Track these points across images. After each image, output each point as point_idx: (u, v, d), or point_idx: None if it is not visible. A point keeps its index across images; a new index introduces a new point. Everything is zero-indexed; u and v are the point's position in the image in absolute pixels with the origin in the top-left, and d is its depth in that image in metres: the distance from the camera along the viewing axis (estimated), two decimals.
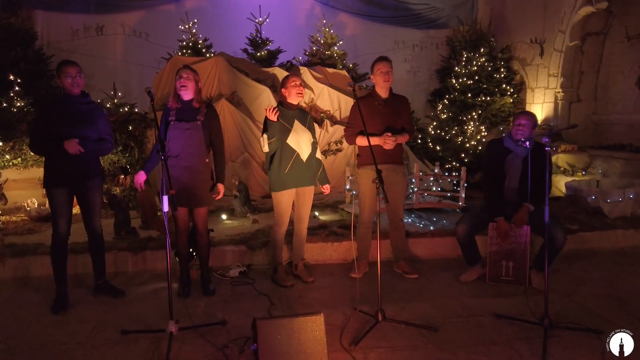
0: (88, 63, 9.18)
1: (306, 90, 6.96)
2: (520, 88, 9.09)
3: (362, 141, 4.04)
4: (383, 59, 4.12)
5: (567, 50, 7.69)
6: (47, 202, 5.96)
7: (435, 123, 9.05)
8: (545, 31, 8.16)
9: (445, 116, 8.65)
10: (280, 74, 6.91)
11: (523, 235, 3.92)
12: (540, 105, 8.35)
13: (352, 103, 7.13)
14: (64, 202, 3.60)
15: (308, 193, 4.07)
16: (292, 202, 4.07)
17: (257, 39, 7.78)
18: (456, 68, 9.26)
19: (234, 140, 6.37)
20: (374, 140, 3.97)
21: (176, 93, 3.72)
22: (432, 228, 5.11)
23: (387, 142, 3.96)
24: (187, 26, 7.83)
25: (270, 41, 7.77)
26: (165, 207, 2.98)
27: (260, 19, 7.88)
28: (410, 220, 5.44)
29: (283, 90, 3.96)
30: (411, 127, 4.25)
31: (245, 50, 7.82)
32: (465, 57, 9.09)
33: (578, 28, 7.56)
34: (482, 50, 8.99)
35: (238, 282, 4.18)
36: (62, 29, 9.29)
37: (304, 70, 7.09)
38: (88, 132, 3.60)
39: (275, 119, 3.71)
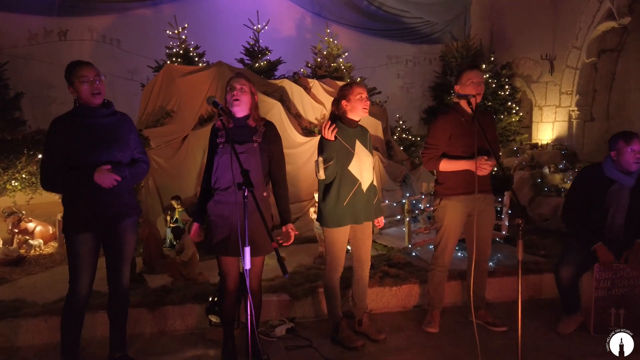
0: (48, 72, 8.04)
1: (318, 105, 6.21)
2: (521, 106, 8.76)
3: (448, 165, 3.32)
4: (475, 67, 3.44)
5: (583, 67, 7.37)
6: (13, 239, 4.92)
7: None
8: (555, 47, 7.85)
9: None
10: (290, 86, 6.11)
11: (637, 278, 3.31)
12: (551, 124, 7.99)
13: (372, 120, 6.53)
14: (90, 252, 2.66)
15: (367, 229, 3.28)
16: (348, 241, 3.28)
17: (256, 48, 6.95)
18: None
19: None
20: (464, 165, 3.27)
21: (227, 110, 2.86)
22: (491, 264, 4.42)
23: (483, 167, 3.23)
24: (176, 32, 6.87)
25: (269, 50, 6.97)
26: (247, 264, 2.10)
27: (259, 26, 7.06)
28: None
29: (344, 102, 3.17)
30: (498, 148, 3.57)
31: (241, 61, 6.96)
32: None
33: (595, 44, 7.26)
34: (484, 66, 8.60)
35: (291, 344, 3.29)
36: (18, 32, 8.08)
37: (314, 83, 6.33)
38: (119, 155, 2.69)
39: (333, 138, 2.92)
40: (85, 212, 2.60)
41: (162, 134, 5.50)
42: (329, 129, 2.90)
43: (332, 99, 6.11)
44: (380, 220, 3.36)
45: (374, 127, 6.43)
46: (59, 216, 5.11)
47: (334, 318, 3.31)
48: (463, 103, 3.39)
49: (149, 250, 4.20)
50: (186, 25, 6.98)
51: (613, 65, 7.53)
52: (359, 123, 3.25)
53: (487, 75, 8.37)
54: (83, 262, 2.65)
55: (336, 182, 3.10)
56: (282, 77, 6.67)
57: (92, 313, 3.25)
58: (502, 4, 9.15)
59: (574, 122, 7.60)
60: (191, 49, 6.83)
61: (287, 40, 8.76)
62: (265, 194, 2.90)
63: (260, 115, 2.94)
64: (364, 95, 3.16)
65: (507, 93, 8.40)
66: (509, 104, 8.32)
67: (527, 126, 8.76)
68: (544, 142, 8.01)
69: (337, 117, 3.21)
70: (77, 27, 8.36)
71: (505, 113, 8.26)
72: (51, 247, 5.09)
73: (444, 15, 9.84)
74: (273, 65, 6.88)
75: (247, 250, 2.12)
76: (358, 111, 3.16)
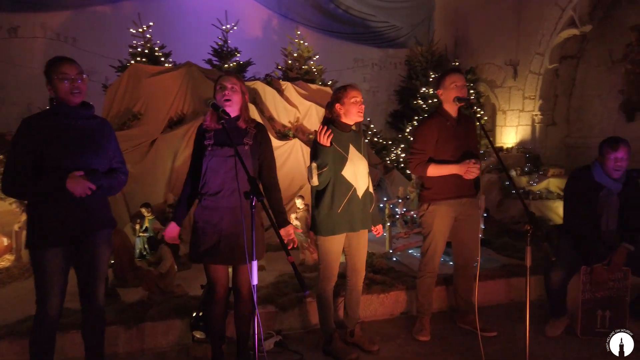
0: None
1: (291, 108, 6.07)
2: (484, 110, 8.94)
3: (436, 171, 3.26)
4: (458, 70, 3.40)
5: (546, 72, 7.59)
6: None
7: (403, 146, 8.57)
8: (519, 53, 8.05)
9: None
10: (262, 88, 5.94)
11: (621, 280, 3.36)
12: (515, 128, 8.19)
13: None
14: (60, 270, 2.40)
15: (363, 237, 3.17)
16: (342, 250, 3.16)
17: (225, 48, 6.72)
18: (423, 89, 8.91)
19: None
20: (452, 169, 3.23)
21: (214, 109, 2.69)
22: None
23: (471, 170, 3.20)
24: (140, 30, 6.54)
25: (238, 52, 6.76)
26: (255, 279, 1.94)
27: (228, 26, 6.84)
28: None
29: (338, 106, 3.06)
30: (478, 152, 3.55)
31: (209, 62, 6.71)
32: (433, 78, 8.77)
33: (557, 51, 7.49)
34: None
35: (281, 359, 3.13)
36: None
37: (287, 86, 6.19)
38: (96, 161, 2.46)
39: (329, 143, 2.80)
40: (54, 224, 2.34)
41: (129, 138, 5.20)
42: (324, 134, 2.77)
43: (307, 102, 6.11)
44: (379, 228, 3.27)
45: None
46: (16, 227, 4.73)
47: (327, 329, 3.18)
48: (448, 107, 3.36)
49: (121, 261, 3.92)
50: (151, 23, 6.66)
51: (573, 72, 7.80)
52: (352, 127, 3.15)
53: None
54: (52, 280, 2.39)
55: (329, 188, 2.98)
56: (253, 79, 6.49)
57: (64, 333, 2.99)
58: (466, 10, 9.32)
59: (537, 126, 7.82)
60: (157, 49, 6.52)
61: (253, 42, 8.57)
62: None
63: (250, 116, 2.78)
64: (359, 98, 3.06)
65: (473, 97, 8.55)
66: (475, 108, 8.47)
67: (489, 130, 8.93)
68: (508, 146, 8.19)
69: (330, 121, 3.10)
70: (29, 23, 7.85)
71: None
72: (6, 260, 4.69)
73: (409, 19, 9.92)
74: (242, 67, 6.69)
75: (255, 264, 1.96)
76: (352, 115, 3.05)
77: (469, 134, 3.45)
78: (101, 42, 7.87)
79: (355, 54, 9.75)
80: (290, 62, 6.90)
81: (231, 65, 6.59)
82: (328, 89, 6.65)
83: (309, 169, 2.91)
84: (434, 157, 3.31)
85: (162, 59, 6.44)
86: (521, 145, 7.96)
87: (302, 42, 7.11)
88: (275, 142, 5.68)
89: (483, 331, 3.47)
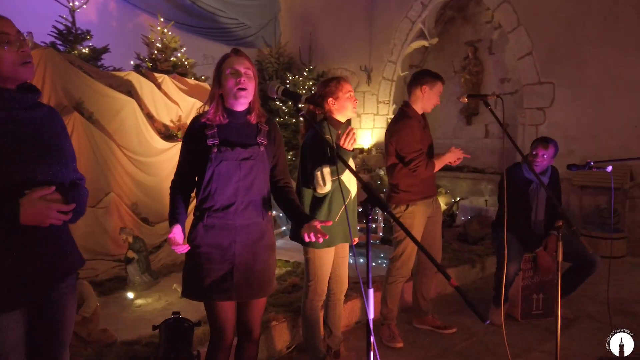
0: None
1: (172, 104, 5.32)
2: None
3: (438, 165, 3.26)
4: (441, 77, 3.36)
5: (398, 79, 8.21)
6: None
7: None
8: (372, 60, 8.54)
9: None
10: (138, 80, 5.03)
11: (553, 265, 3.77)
12: (370, 131, 8.66)
13: None
14: (17, 339, 1.58)
15: (347, 246, 2.92)
16: None
17: (73, 30, 5.49)
18: None
19: (93, 173, 4.22)
20: (445, 160, 3.25)
21: (219, 99, 2.11)
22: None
23: (460, 157, 3.25)
24: None
25: (90, 35, 5.59)
26: (372, 312, 1.57)
27: (75, 3, 5.60)
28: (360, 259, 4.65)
29: (331, 100, 2.74)
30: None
31: (52, 45, 5.38)
32: (290, 80, 8.73)
33: (407, 60, 8.18)
34: (305, 74, 8.79)
35: None
36: None
37: (164, 79, 5.38)
38: (58, 171, 1.67)
39: (352, 148, 2.47)
40: (6, 276, 1.52)
41: None
42: (350, 137, 2.39)
43: (190, 99, 5.39)
44: (356, 240, 3.04)
45: None
46: None
47: (317, 354, 2.80)
48: (417, 107, 3.34)
49: None
50: None
51: None
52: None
53: (311, 83, 8.56)
54: (9, 357, 1.57)
55: (327, 196, 2.63)
56: (117, 69, 5.46)
57: None
58: (314, 15, 9.50)
59: None
60: None
61: (88, 25, 7.24)
62: (269, 212, 2.24)
63: (262, 109, 2.25)
64: (352, 92, 2.77)
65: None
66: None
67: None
68: (366, 147, 8.63)
69: (312, 116, 2.75)
70: None
71: None
72: None
73: (257, 19, 9.67)
74: (98, 54, 5.54)
75: (371, 293, 1.55)
76: (347, 111, 2.75)
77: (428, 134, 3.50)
78: None
79: (205, 49, 9.05)
80: (156, 53, 6.00)
81: (83, 51, 5.41)
82: (206, 85, 6.00)
83: (318, 174, 2.50)
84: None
85: None
86: (378, 147, 8.45)
87: (165, 30, 6.26)
88: (162, 144, 4.89)
89: (443, 329, 3.54)
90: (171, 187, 2.16)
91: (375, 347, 1.58)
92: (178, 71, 6.00)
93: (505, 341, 2.80)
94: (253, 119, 2.17)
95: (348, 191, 2.71)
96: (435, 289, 4.17)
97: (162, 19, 6.31)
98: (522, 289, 3.72)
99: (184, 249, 2.00)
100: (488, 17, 7.78)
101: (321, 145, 2.54)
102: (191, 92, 5.64)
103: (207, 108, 2.17)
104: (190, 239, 2.08)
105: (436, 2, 7.47)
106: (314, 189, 2.54)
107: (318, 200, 2.63)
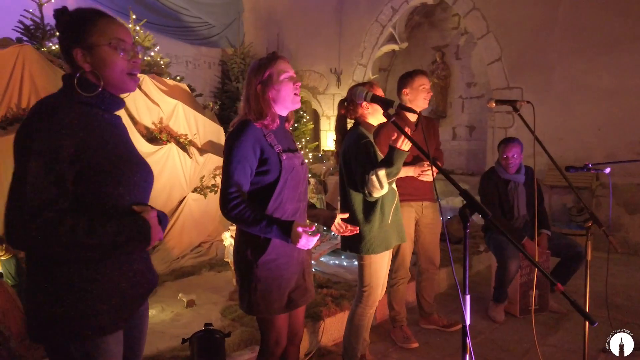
0: None
1: (154, 106, 5.11)
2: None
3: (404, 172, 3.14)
4: (425, 72, 3.38)
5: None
6: None
7: None
8: (341, 63, 8.59)
9: None
10: None
11: (544, 262, 3.95)
12: None
13: (214, 126, 5.66)
14: (120, 358, 1.50)
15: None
16: None
17: (41, 26, 5.14)
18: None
19: None
20: (407, 171, 3.11)
21: (270, 104, 2.00)
22: None
23: (427, 173, 3.13)
24: None
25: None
26: (468, 318, 1.58)
27: None
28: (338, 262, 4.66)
29: (362, 105, 2.73)
30: (441, 154, 3.64)
31: (19, 41, 5.01)
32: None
33: (377, 63, 8.29)
34: None
35: None
36: None
37: (144, 79, 5.13)
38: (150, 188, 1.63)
39: (408, 148, 2.48)
40: (120, 293, 1.44)
41: None
42: (402, 139, 2.39)
43: (172, 100, 5.19)
44: None
45: (217, 132, 5.72)
46: None
47: (353, 356, 2.80)
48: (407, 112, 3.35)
49: (7, 320, 2.60)
50: None
51: (384, 83, 8.77)
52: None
53: None
54: None
55: (380, 199, 2.62)
56: None
57: None
58: (280, 16, 9.44)
59: None
60: None
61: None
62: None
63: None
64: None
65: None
66: (301, 112, 8.66)
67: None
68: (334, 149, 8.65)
69: (342, 121, 2.77)
70: None
71: (303, 121, 8.56)
72: None
73: (221, 18, 9.48)
74: None
75: (467, 299, 1.56)
76: (377, 115, 2.75)
77: (432, 137, 3.53)
78: None
79: (168, 49, 8.76)
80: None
81: (53, 47, 5.08)
82: (184, 86, 5.81)
83: (374, 178, 2.44)
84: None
85: None
86: None
87: (137, 28, 5.99)
88: (148, 147, 4.67)
89: (449, 327, 3.62)
90: (234, 205, 1.89)
91: (472, 351, 1.59)
92: (154, 71, 5.76)
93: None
94: (289, 125, 2.15)
95: (395, 191, 2.72)
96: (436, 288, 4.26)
97: (134, 16, 6.03)
98: (520, 286, 3.88)
99: (315, 238, 1.92)
100: (454, 23, 8.05)
101: (366, 148, 2.53)
102: (171, 92, 5.42)
103: (243, 112, 2.04)
104: (266, 254, 1.95)
105: (407, 6, 7.63)
106: (368, 193, 2.50)
107: (370, 205, 2.60)
